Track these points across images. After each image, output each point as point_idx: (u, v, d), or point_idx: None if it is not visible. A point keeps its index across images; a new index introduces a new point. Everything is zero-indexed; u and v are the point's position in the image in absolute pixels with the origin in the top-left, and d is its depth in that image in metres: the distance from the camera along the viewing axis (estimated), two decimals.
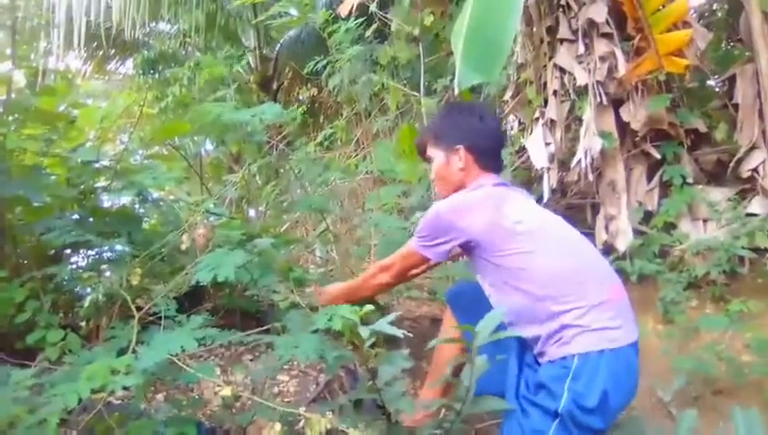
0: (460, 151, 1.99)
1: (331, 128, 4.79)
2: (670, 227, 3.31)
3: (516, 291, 1.77)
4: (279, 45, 7.63)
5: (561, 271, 1.76)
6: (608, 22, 3.30)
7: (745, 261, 3.04)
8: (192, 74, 5.04)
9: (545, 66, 3.57)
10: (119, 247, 2.38)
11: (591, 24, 3.32)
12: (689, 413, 1.98)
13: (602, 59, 3.24)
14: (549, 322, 1.71)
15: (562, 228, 1.93)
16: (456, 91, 2.53)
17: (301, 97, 6.41)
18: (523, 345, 1.84)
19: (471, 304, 2.03)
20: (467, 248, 1.88)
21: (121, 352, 1.63)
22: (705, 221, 3.29)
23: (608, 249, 3.33)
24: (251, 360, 2.52)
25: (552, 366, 1.69)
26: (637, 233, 3.32)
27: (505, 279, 1.80)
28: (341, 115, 5.07)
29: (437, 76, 4.41)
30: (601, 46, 3.26)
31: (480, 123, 2.04)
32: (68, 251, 2.54)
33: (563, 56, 3.41)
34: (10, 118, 2.44)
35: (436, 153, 2.05)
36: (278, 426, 1.44)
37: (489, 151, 2.03)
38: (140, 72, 6.91)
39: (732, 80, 3.43)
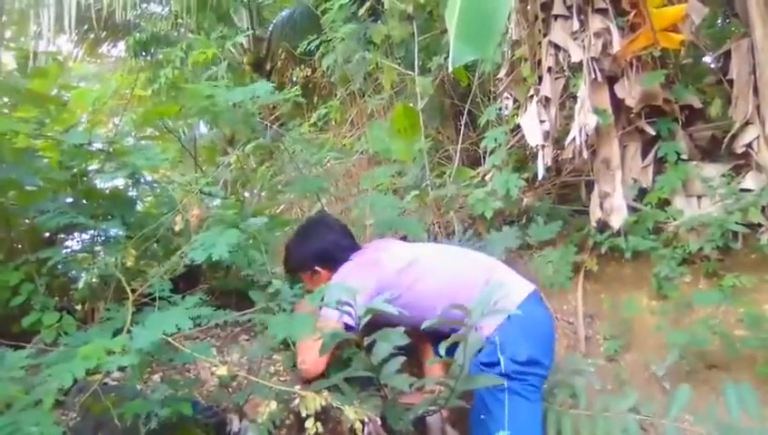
0: (318, 271, 2.36)
1: (324, 108, 4.75)
2: (664, 203, 3.32)
3: (428, 312, 2.00)
4: (272, 26, 7.56)
5: (446, 283, 2.18)
6: None
7: (739, 236, 3.04)
8: (184, 56, 4.99)
9: (540, 43, 3.54)
10: (113, 230, 2.38)
11: None
12: (683, 388, 2.01)
13: (597, 35, 3.21)
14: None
15: (434, 253, 2.45)
16: (451, 69, 2.51)
17: (294, 78, 6.35)
18: None
19: None
20: None
21: (117, 333, 1.63)
22: (699, 197, 3.29)
23: (602, 227, 3.34)
24: (246, 340, 2.53)
25: (484, 348, 2.03)
26: (631, 210, 3.31)
27: (410, 310, 2.01)
28: (335, 95, 5.03)
29: (432, 54, 4.37)
30: (596, 22, 3.23)
31: (321, 239, 2.43)
32: (62, 235, 2.54)
33: (558, 33, 3.38)
34: (2, 100, 2.41)
35: (303, 276, 2.40)
36: (274, 403, 1.45)
37: (340, 252, 2.38)
38: (132, 54, 6.83)
39: (727, 55, 3.40)
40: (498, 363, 2.02)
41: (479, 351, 2.03)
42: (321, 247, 2.41)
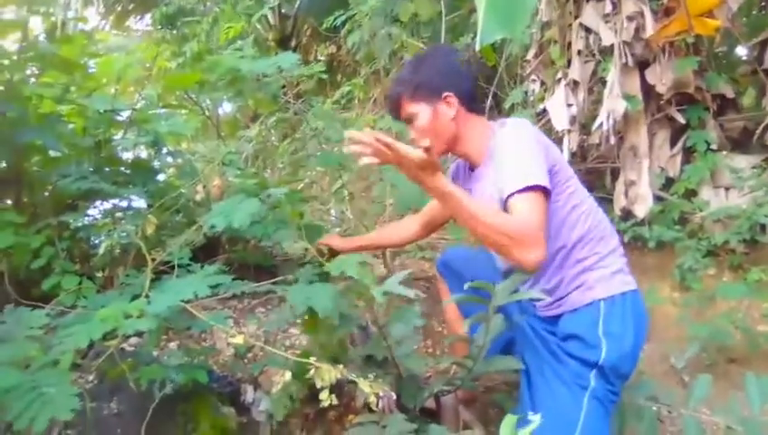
0: (449, 98, 1.74)
1: (348, 86, 4.72)
2: (691, 193, 3.25)
3: (556, 234, 1.65)
4: (299, 2, 7.51)
5: (597, 214, 1.72)
6: None
7: (767, 229, 2.98)
8: (210, 29, 4.98)
9: (570, 25, 3.46)
10: (134, 198, 2.38)
11: None
12: (703, 378, 1.97)
13: (630, 18, 3.14)
14: (572, 267, 1.66)
15: None
16: (478, 47, 2.46)
17: (319, 55, 6.31)
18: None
19: (462, 268, 2.00)
20: None
21: (135, 299, 1.64)
22: (727, 189, 3.22)
23: (626, 215, 3.29)
24: (263, 313, 2.54)
25: (577, 314, 1.65)
26: (657, 199, 3.26)
27: (550, 222, 1.61)
28: (359, 74, 4.99)
29: (459, 35, 4.31)
30: (629, 5, 3.15)
31: (458, 64, 1.82)
32: (84, 202, 2.55)
33: (589, 15, 3.31)
34: (28, 64, 2.41)
35: (419, 108, 1.75)
36: (288, 374, 1.44)
37: (474, 93, 1.80)
38: (159, 26, 6.83)
39: (762, 45, 3.31)
40: (595, 345, 1.59)
41: (560, 313, 1.68)
42: (465, 75, 1.80)
